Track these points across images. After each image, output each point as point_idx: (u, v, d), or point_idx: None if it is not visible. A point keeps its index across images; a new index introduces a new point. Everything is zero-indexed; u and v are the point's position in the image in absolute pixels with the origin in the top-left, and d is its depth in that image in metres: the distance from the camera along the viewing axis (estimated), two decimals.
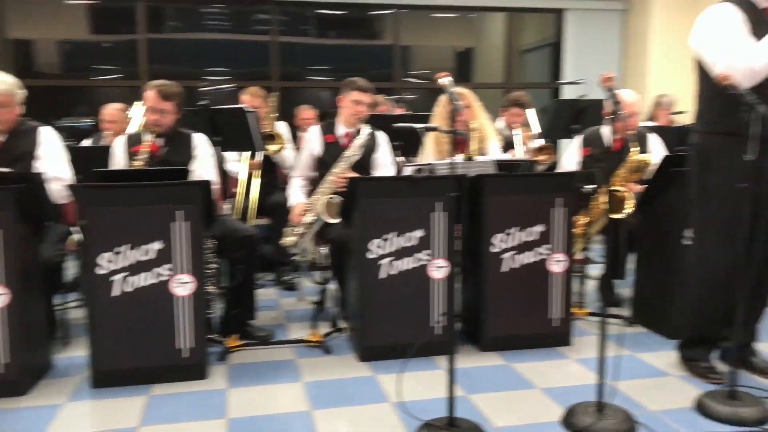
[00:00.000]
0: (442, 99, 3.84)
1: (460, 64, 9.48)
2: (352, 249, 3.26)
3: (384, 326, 3.12)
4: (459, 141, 3.70)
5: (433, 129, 3.10)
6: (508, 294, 3.23)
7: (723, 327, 2.87)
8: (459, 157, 3.37)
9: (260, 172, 4.59)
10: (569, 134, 4.80)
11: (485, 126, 3.82)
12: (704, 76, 2.77)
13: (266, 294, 4.41)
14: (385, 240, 3.09)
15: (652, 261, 3.60)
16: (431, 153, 3.80)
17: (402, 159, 4.12)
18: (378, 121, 3.93)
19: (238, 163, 4.61)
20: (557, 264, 3.27)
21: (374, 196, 3.08)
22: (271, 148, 4.57)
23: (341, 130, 3.80)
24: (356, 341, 3.22)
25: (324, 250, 3.77)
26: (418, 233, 3.12)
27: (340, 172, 3.59)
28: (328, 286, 3.73)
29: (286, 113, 6.20)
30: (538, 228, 3.24)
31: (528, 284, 3.25)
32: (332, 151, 3.76)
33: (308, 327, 3.49)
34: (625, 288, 4.06)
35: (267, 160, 4.67)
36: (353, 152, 3.63)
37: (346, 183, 3.24)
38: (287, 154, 4.80)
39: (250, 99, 4.69)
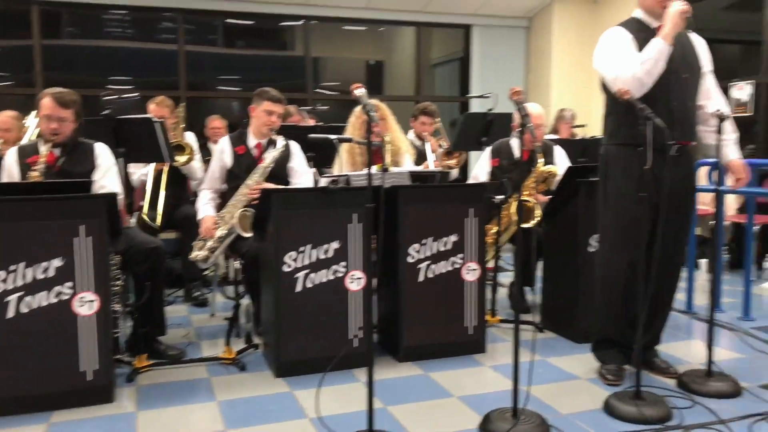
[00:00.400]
0: (357, 110, 3.85)
1: (371, 76, 9.54)
2: (267, 262, 3.19)
3: (301, 340, 3.07)
4: (373, 152, 3.71)
5: (348, 140, 3.10)
6: (424, 303, 3.26)
7: (629, 329, 3.02)
8: (374, 169, 3.36)
9: (167, 183, 4.42)
10: (479, 146, 4.93)
11: (399, 138, 3.86)
12: (607, 92, 2.95)
13: (176, 311, 4.24)
14: (301, 252, 3.05)
15: (558, 268, 3.73)
16: (345, 164, 3.79)
17: (314, 170, 4.09)
18: (290, 132, 3.90)
19: (144, 175, 4.43)
20: (471, 273, 3.33)
21: (289, 207, 3.03)
22: (180, 159, 4.42)
23: (252, 141, 3.73)
24: (272, 357, 3.15)
25: (236, 264, 3.68)
26: (335, 245, 3.09)
27: (254, 184, 3.52)
28: (241, 301, 3.63)
29: (194, 123, 6.03)
30: (452, 238, 3.29)
31: (443, 293, 3.29)
32: (243, 162, 3.68)
33: (221, 344, 3.37)
34: (534, 295, 4.19)
35: (175, 171, 4.52)
36: (268, 163, 3.56)
37: (260, 195, 3.18)
38: (196, 165, 4.67)
39: (157, 109, 4.53)
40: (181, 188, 4.73)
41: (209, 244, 3.60)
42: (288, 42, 8.64)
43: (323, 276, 3.09)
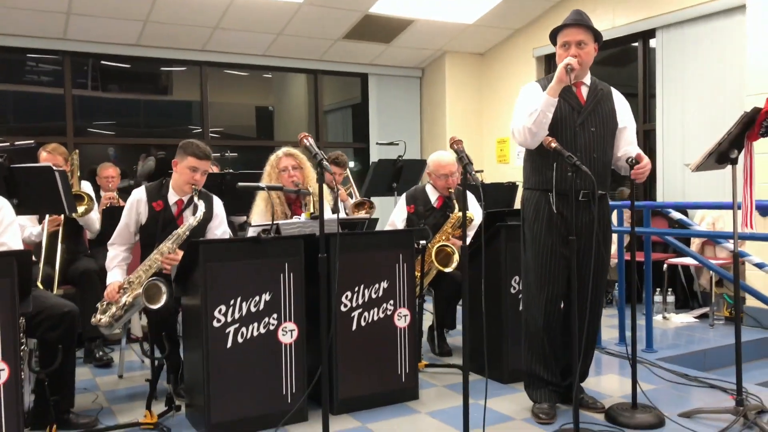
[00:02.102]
0: (272, 159, 3.78)
1: (260, 121, 9.43)
2: (192, 317, 3.02)
3: (232, 399, 2.91)
4: (294, 201, 3.66)
5: (279, 188, 3.03)
6: (358, 353, 3.21)
7: (556, 368, 3.13)
8: (303, 217, 3.31)
9: (62, 236, 4.10)
10: (390, 191, 5.01)
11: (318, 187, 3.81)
12: None
13: (78, 373, 3.88)
14: (231, 306, 2.91)
15: (480, 310, 3.80)
16: (262, 214, 3.66)
17: (243, 219, 3.95)
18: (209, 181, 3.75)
19: (36, 234, 4.05)
20: (402, 319, 3.33)
21: (218, 259, 2.90)
22: (79, 209, 4.12)
23: (173, 197, 3.48)
24: (200, 418, 2.95)
25: (143, 321, 3.43)
26: (266, 297, 2.99)
27: (168, 251, 3.31)
28: (156, 360, 3.39)
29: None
30: (383, 284, 3.28)
31: (376, 341, 3.25)
32: (160, 218, 3.43)
33: (137, 407, 3.12)
34: (456, 337, 4.25)
35: (71, 223, 4.21)
36: (183, 231, 3.33)
37: (173, 263, 3.00)
38: (94, 216, 4.38)
39: (50, 157, 4.23)
40: (76, 241, 4.42)
41: (113, 310, 3.35)
42: (175, 86, 8.39)
43: (255, 329, 2.96)
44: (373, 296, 3.26)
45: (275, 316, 3.01)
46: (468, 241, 4.06)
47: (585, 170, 2.71)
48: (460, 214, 4.12)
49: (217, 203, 3.58)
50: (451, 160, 4.33)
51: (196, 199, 3.38)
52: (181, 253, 3.23)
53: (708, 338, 4.71)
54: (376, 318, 3.26)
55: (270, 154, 3.74)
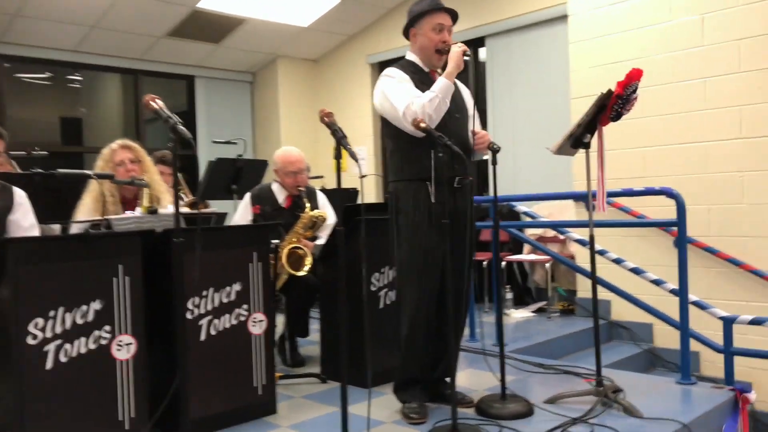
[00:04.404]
0: (105, 153, 3.29)
1: (67, 135, 8.45)
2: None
3: (52, 424, 2.38)
4: (129, 200, 3.19)
5: (110, 177, 2.57)
6: (209, 366, 2.81)
7: (427, 363, 2.98)
8: (138, 211, 2.86)
9: None
10: (229, 194, 4.62)
11: (157, 181, 3.36)
12: (389, 132, 2.94)
13: None
14: (51, 319, 2.40)
15: (337, 313, 3.56)
16: (89, 212, 3.14)
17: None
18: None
19: None
20: (257, 325, 2.99)
21: (33, 262, 2.37)
22: None
23: None
24: None
25: None
26: (96, 305, 2.50)
27: None
28: None
29: None
30: (236, 287, 2.92)
31: (229, 351, 2.88)
32: None
33: None
34: (310, 345, 3.97)
35: None
36: None
37: None
38: None
39: None
40: None
41: None
42: None
43: (81, 347, 2.46)
44: (224, 301, 2.89)
45: (108, 328, 2.53)
46: (323, 241, 3.87)
47: (457, 151, 2.59)
48: (312, 213, 3.87)
49: (18, 193, 2.90)
50: (300, 155, 4.07)
51: None
52: None
53: (549, 330, 4.88)
54: (228, 325, 2.89)
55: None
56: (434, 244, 2.81)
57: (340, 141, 2.20)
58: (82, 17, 6.16)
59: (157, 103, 1.93)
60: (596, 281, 3.13)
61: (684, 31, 4.72)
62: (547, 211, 5.51)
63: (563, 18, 5.55)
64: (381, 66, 7.52)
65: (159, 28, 6.64)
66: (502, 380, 3.01)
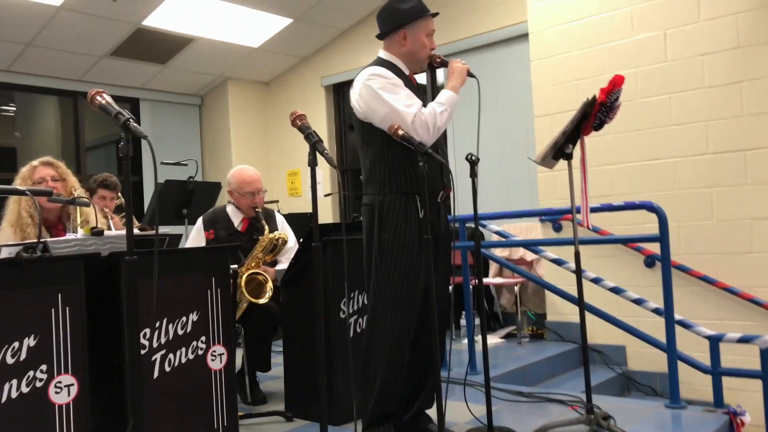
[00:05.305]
0: (24, 171, 2.97)
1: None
2: None
3: None
4: (54, 224, 2.85)
5: (48, 194, 2.24)
6: (164, 407, 2.47)
7: (407, 397, 2.71)
8: (80, 233, 2.53)
9: None
10: (180, 219, 4.29)
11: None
12: (371, 140, 2.65)
13: None
14: None
15: (305, 344, 3.27)
16: (9, 238, 2.77)
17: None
18: None
19: None
20: (217, 359, 2.67)
21: None
22: None
23: None
24: None
25: None
26: (30, 341, 2.15)
27: None
28: None
29: None
30: (193, 316, 2.61)
31: (187, 389, 2.55)
32: None
33: None
34: (271, 380, 3.65)
35: None
36: None
37: None
38: None
39: None
40: None
41: None
42: None
43: (14, 389, 2.11)
44: (180, 332, 2.56)
45: (44, 367, 2.18)
46: (285, 266, 3.57)
47: (439, 159, 2.38)
48: (272, 235, 3.58)
49: None
50: (257, 174, 3.80)
51: None
52: None
53: (521, 356, 4.67)
54: (184, 360, 2.57)
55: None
56: (419, 264, 2.57)
57: (315, 145, 1.95)
58: (17, 34, 5.75)
59: (104, 98, 1.64)
60: (583, 305, 2.94)
61: (647, 47, 4.68)
62: (513, 231, 5.35)
63: (524, 36, 5.47)
64: (336, 88, 7.33)
65: (101, 47, 6.28)
66: (488, 411, 2.77)
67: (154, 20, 5.98)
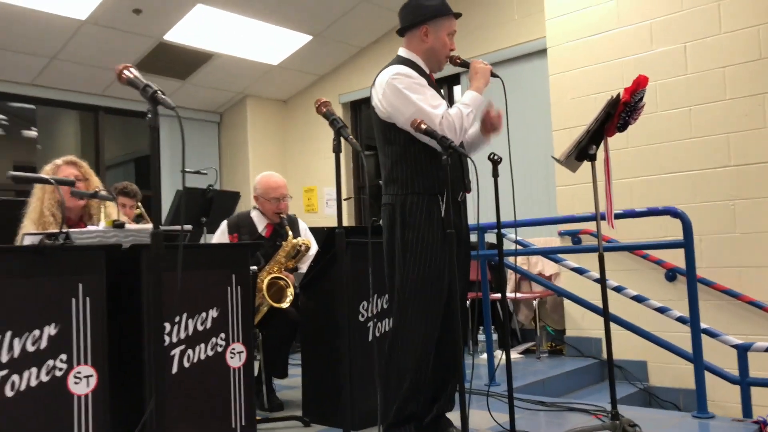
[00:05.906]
0: (47, 169, 3.00)
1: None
2: None
3: None
4: (75, 223, 2.86)
5: (70, 183, 2.25)
6: (182, 402, 2.44)
7: (428, 397, 2.66)
8: (102, 224, 2.53)
9: None
10: (199, 227, 4.29)
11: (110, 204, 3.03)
12: (394, 139, 2.62)
13: None
14: None
15: (324, 348, 3.23)
16: (32, 224, 2.79)
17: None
18: None
19: None
20: (236, 357, 2.64)
21: None
22: None
23: None
24: None
25: None
26: (51, 330, 2.14)
27: None
28: None
29: None
30: (213, 312, 2.59)
31: (204, 387, 2.52)
32: None
33: None
34: (288, 390, 3.60)
35: None
36: None
37: None
38: None
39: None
40: None
41: None
42: None
43: (32, 378, 2.09)
44: (200, 328, 2.54)
45: (63, 357, 2.17)
46: (305, 269, 3.55)
47: (462, 151, 2.37)
48: (296, 240, 3.57)
49: None
50: (283, 180, 3.82)
51: None
52: None
53: (540, 370, 4.59)
54: (203, 356, 2.54)
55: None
56: (445, 261, 2.54)
57: (340, 131, 1.94)
58: (43, 47, 5.85)
59: (132, 72, 1.66)
60: (608, 311, 2.88)
61: (667, 60, 4.67)
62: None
63: (543, 51, 5.48)
64: (354, 105, 7.37)
65: (123, 62, 6.26)
66: (511, 418, 2.71)
67: (176, 35, 6.07)
